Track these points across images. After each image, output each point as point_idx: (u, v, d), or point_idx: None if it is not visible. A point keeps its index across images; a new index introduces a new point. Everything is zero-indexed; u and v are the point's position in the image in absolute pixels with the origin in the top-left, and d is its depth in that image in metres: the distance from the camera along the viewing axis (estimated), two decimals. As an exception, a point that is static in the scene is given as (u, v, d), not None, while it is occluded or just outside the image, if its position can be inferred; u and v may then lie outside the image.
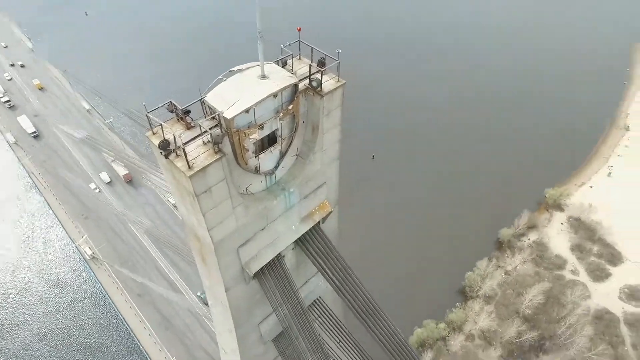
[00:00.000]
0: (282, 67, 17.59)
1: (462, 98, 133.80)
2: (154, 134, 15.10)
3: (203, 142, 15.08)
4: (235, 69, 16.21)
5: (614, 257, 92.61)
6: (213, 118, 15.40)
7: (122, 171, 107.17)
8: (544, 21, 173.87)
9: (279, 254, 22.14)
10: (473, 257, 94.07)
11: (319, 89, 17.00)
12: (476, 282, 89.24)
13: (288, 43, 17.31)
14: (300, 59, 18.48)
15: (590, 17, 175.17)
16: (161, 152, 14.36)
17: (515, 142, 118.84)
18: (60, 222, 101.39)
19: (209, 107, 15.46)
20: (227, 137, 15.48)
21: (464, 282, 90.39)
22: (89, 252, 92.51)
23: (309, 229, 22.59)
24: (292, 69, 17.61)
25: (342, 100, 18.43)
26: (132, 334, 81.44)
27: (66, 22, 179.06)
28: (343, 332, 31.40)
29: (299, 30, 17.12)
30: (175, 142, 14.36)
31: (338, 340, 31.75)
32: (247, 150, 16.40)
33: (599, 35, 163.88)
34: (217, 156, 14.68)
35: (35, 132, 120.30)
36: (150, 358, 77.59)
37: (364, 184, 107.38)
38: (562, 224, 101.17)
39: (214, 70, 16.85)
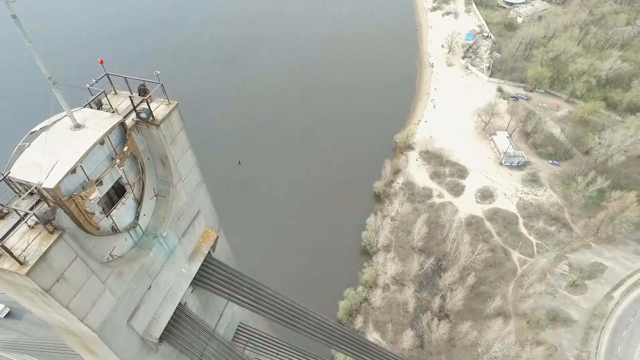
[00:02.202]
0: (98, 108, 15.15)
1: (296, 88, 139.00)
2: None
3: (29, 226, 12.09)
4: (37, 128, 13.27)
5: (462, 172, 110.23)
6: (31, 194, 12.40)
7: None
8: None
9: (180, 303, 19.88)
10: (362, 217, 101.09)
11: (151, 119, 15.15)
12: (372, 238, 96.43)
13: (94, 80, 14.90)
14: (116, 93, 16.19)
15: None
16: None
17: (356, 108, 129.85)
18: None
19: (20, 183, 12.40)
20: (60, 208, 12.70)
21: (363, 241, 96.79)
22: None
23: (202, 264, 20.73)
24: (110, 107, 15.29)
25: (183, 121, 16.88)
26: None
27: None
28: (276, 344, 30.52)
29: (102, 62, 14.87)
30: None
31: (276, 353, 30.81)
32: (93, 213, 13.80)
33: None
34: (55, 236, 11.93)
35: None
36: None
37: (239, 189, 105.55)
38: (416, 160, 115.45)
39: (11, 137, 13.58)
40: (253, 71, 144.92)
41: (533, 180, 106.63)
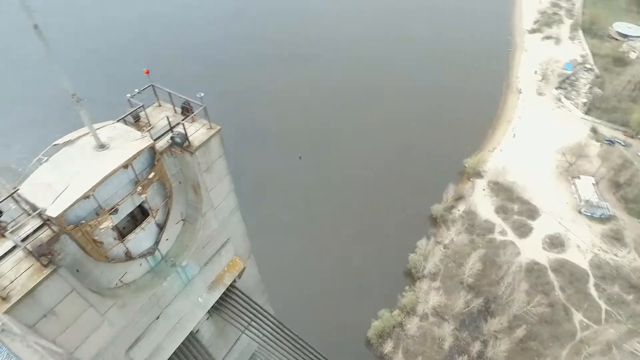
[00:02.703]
0: (135, 122, 13.83)
1: (362, 88, 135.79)
2: None
3: (27, 251, 10.91)
4: (60, 141, 12.10)
5: (532, 212, 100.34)
6: (40, 215, 11.24)
7: None
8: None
9: (191, 331, 18.45)
10: (413, 238, 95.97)
11: (186, 144, 13.51)
12: (420, 262, 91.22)
13: (137, 91, 13.56)
14: (160, 105, 14.83)
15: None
16: None
17: (428, 121, 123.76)
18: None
19: (28, 202, 11.28)
20: (64, 235, 11.45)
21: (409, 264, 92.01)
22: None
23: (222, 293, 19.13)
24: (148, 123, 13.90)
25: (224, 148, 15.12)
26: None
27: None
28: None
29: (147, 72, 13.48)
30: None
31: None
32: (102, 242, 12.45)
33: (479, 6, 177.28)
34: (48, 271, 10.60)
35: None
36: None
37: (293, 184, 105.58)
38: (483, 189, 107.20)
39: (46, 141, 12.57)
40: (322, 68, 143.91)
41: (615, 238, 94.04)
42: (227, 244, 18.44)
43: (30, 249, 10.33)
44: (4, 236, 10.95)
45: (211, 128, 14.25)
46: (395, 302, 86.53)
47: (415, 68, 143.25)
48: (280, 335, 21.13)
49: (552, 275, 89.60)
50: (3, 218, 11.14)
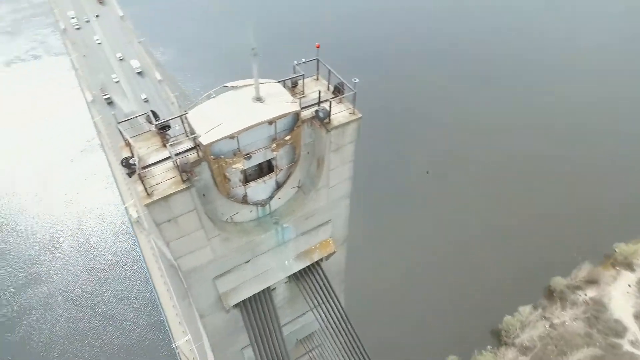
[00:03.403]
0: (292, 87, 15.11)
1: (526, 124, 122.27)
2: (127, 145, 13.33)
3: (175, 164, 13.11)
4: (229, 85, 13.99)
5: (687, 338, 79.75)
6: (194, 140, 13.37)
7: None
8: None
9: (269, 287, 19.96)
10: (517, 300, 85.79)
11: (327, 121, 14.27)
12: (514, 328, 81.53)
13: (303, 60, 14.75)
14: (317, 79, 15.87)
15: None
16: (125, 172, 12.60)
17: (588, 181, 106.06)
18: (116, 182, 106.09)
19: (190, 125, 13.46)
20: (205, 162, 13.40)
21: (501, 325, 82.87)
22: (135, 215, 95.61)
23: (306, 267, 20.11)
24: (302, 91, 15.04)
25: (357, 136, 15.55)
26: (159, 306, 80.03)
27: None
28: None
29: (318, 47, 14.48)
30: (138, 162, 12.52)
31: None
32: (229, 180, 14.19)
33: None
34: (184, 186, 12.63)
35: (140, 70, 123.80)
36: (172, 336, 75.95)
37: (411, 200, 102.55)
38: (629, 285, 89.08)
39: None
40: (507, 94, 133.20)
41: None
42: (327, 224, 19.25)
43: (178, 164, 12.49)
44: (165, 146, 13.43)
45: (353, 114, 14.82)
46: (469, 356, 79.25)
47: (600, 110, 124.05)
48: (342, 327, 21.34)
49: (682, 423, 70.85)
50: (170, 132, 13.64)
